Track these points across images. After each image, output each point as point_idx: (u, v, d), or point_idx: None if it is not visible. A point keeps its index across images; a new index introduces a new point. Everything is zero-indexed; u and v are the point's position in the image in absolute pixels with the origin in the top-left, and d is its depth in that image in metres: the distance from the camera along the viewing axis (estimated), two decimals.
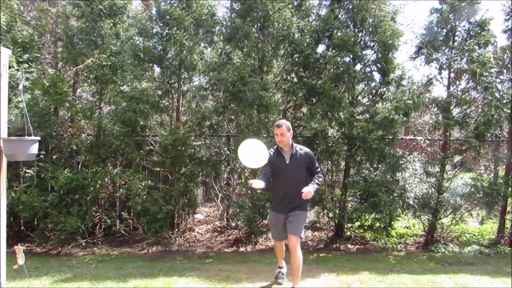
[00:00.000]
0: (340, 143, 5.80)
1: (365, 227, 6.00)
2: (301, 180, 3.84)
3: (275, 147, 3.94)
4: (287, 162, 3.83)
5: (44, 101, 5.98)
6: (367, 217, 5.99)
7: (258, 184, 3.60)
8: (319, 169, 4.01)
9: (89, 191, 5.73)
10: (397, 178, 5.99)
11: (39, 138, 3.19)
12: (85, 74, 6.22)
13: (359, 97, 6.34)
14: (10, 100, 5.47)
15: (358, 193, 6.02)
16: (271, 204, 3.82)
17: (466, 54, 5.73)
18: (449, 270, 4.89)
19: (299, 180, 3.82)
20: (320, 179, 3.95)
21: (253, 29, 6.02)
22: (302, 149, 3.92)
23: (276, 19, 5.82)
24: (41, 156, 5.68)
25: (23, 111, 3.43)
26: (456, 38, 6.02)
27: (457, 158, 6.20)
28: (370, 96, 6.24)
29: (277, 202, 3.97)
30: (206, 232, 6.84)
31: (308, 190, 3.61)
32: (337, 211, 5.89)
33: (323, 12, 6.34)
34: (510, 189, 5.88)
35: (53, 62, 6.68)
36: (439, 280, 4.46)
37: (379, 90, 6.10)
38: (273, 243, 4.28)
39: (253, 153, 3.63)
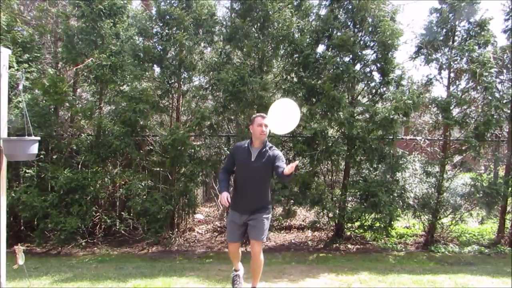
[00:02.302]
0: (340, 143, 5.81)
1: (365, 227, 6.01)
2: (265, 181, 3.54)
3: (248, 141, 3.58)
4: (252, 159, 3.44)
5: (44, 101, 5.98)
6: (367, 217, 5.99)
7: (224, 200, 3.32)
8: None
9: (89, 191, 5.73)
10: (397, 178, 5.99)
11: (39, 138, 3.19)
12: (85, 74, 6.22)
13: (359, 97, 6.35)
14: (10, 100, 5.47)
15: (358, 193, 6.02)
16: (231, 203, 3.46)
17: (466, 54, 5.74)
18: (449, 270, 4.89)
19: (263, 180, 3.52)
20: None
21: (253, 29, 6.03)
22: (273, 149, 3.53)
23: (276, 19, 5.83)
24: (41, 156, 5.68)
25: (23, 111, 3.44)
26: (456, 38, 6.02)
27: (457, 158, 6.20)
28: (370, 96, 6.24)
29: (238, 201, 3.56)
30: (206, 232, 6.84)
31: (291, 166, 3.18)
32: (337, 211, 5.89)
33: (322, 12, 6.35)
34: (510, 189, 5.88)
35: (53, 62, 6.68)
36: (439, 280, 4.46)
37: (378, 90, 6.10)
38: (230, 246, 3.70)
39: (285, 116, 3.39)
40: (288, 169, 3.14)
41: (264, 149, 3.47)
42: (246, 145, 3.53)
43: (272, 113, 3.46)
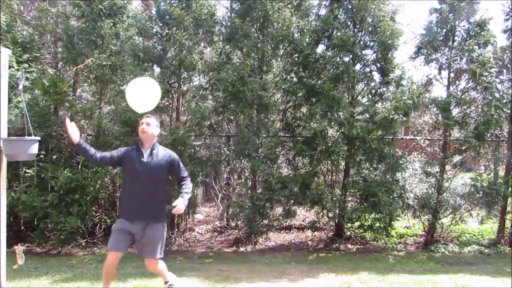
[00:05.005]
0: (339, 143, 5.81)
1: (365, 227, 6.00)
2: (160, 185, 3.30)
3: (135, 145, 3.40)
4: (145, 159, 3.22)
5: (44, 101, 5.99)
6: (367, 217, 5.99)
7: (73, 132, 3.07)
8: (187, 176, 3.44)
9: (89, 191, 5.73)
10: (397, 178, 5.99)
11: (39, 138, 3.18)
12: (85, 74, 6.22)
13: (359, 97, 6.35)
14: (10, 100, 5.47)
15: (358, 193, 6.02)
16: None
17: (466, 54, 5.74)
18: (449, 270, 4.89)
19: (157, 184, 3.27)
20: (190, 187, 3.36)
21: (253, 29, 6.03)
22: (166, 150, 3.38)
23: (276, 19, 5.83)
24: (41, 156, 5.69)
25: (23, 111, 3.43)
26: (456, 38, 6.02)
27: (457, 158, 6.20)
28: (370, 96, 6.24)
29: (129, 208, 3.25)
30: (206, 232, 6.85)
31: (180, 204, 3.10)
32: (337, 211, 5.89)
33: (322, 12, 6.36)
34: (510, 189, 5.88)
35: (53, 62, 6.68)
36: (439, 280, 4.45)
37: (378, 90, 6.10)
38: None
39: (143, 93, 3.19)
40: (175, 210, 3.13)
41: (156, 150, 3.30)
42: (133, 146, 3.38)
43: (131, 92, 3.23)
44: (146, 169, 3.21)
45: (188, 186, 3.36)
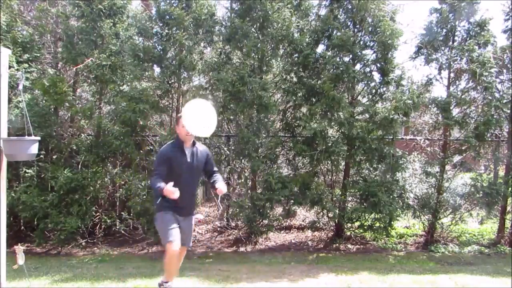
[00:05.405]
0: (339, 143, 5.80)
1: (365, 227, 6.00)
2: (198, 180, 3.56)
3: (171, 142, 3.50)
4: (188, 160, 3.36)
5: (44, 101, 5.99)
6: (367, 217, 5.99)
7: (170, 190, 3.03)
8: (217, 170, 3.64)
9: (89, 191, 5.73)
10: (397, 178, 5.99)
11: (39, 138, 3.19)
12: (85, 74, 6.23)
13: (359, 97, 6.35)
14: (10, 100, 5.48)
15: (358, 193, 6.01)
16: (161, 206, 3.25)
17: (466, 54, 5.73)
18: (449, 270, 4.89)
19: (197, 180, 3.52)
20: (221, 177, 3.58)
21: (253, 29, 6.02)
22: (202, 146, 3.57)
23: (275, 19, 5.83)
24: (41, 156, 5.68)
25: (23, 111, 3.44)
26: (456, 38, 6.02)
27: (457, 158, 6.20)
28: (370, 96, 6.24)
29: (175, 204, 3.24)
30: (206, 232, 6.84)
31: (223, 186, 3.36)
32: (337, 211, 5.89)
33: (322, 12, 6.35)
34: (510, 189, 5.88)
35: (53, 62, 6.68)
36: (439, 280, 4.46)
37: (378, 90, 6.10)
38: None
39: (203, 118, 3.28)
40: (218, 191, 3.37)
41: (196, 149, 3.44)
42: (170, 145, 3.42)
43: (189, 115, 3.28)
44: (190, 168, 3.37)
45: (219, 176, 3.57)
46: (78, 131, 6.28)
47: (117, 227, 5.96)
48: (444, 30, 6.02)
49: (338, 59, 5.89)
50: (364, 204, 5.81)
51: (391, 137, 5.96)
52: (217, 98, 6.37)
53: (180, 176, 3.27)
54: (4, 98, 2.99)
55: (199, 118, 3.31)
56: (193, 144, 3.44)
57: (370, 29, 5.96)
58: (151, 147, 6.27)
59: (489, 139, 6.16)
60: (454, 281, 4.40)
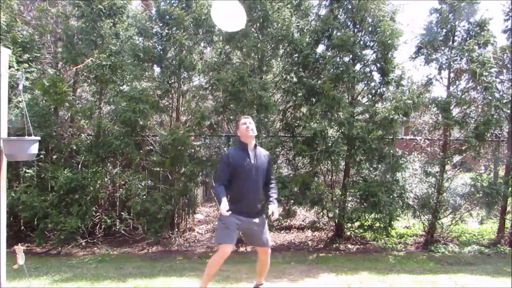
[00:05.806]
0: (339, 143, 5.80)
1: (365, 227, 6.00)
2: (262, 181, 3.52)
3: (234, 146, 3.59)
4: (252, 161, 3.43)
5: (44, 101, 5.99)
6: (367, 217, 5.98)
7: (225, 207, 3.16)
8: (274, 178, 3.69)
9: (89, 191, 5.73)
10: (397, 178, 5.99)
11: (39, 138, 3.19)
12: (85, 74, 6.23)
13: (359, 97, 6.34)
14: (10, 100, 5.48)
15: (358, 193, 6.01)
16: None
17: (466, 54, 5.73)
18: (449, 270, 4.89)
19: (262, 181, 3.50)
20: (276, 191, 3.62)
21: (253, 29, 6.02)
22: (262, 149, 3.63)
23: (275, 19, 5.82)
24: (41, 156, 5.69)
25: (23, 111, 3.44)
26: (456, 38, 6.02)
27: (457, 158, 6.19)
28: (370, 96, 6.24)
29: (243, 205, 3.42)
30: (206, 232, 6.84)
31: (276, 212, 3.38)
32: (337, 211, 5.89)
33: (322, 12, 6.35)
34: (510, 189, 5.88)
35: (53, 62, 6.68)
36: (439, 280, 4.45)
37: (378, 90, 6.10)
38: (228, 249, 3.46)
39: (230, 13, 3.30)
40: (273, 217, 3.39)
41: (258, 151, 3.51)
42: (233, 148, 3.51)
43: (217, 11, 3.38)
44: (254, 169, 3.43)
45: (275, 190, 3.60)
46: (78, 131, 6.28)
47: (117, 227, 5.96)
48: (444, 30, 6.02)
49: (338, 59, 5.89)
50: (364, 204, 5.81)
51: (391, 137, 5.96)
52: (217, 98, 6.37)
53: (245, 177, 3.39)
54: (4, 98, 2.98)
55: (227, 10, 3.32)
56: (255, 146, 3.50)
57: (370, 29, 5.96)
58: (151, 147, 6.27)
59: (489, 139, 6.16)
60: (454, 281, 4.40)
